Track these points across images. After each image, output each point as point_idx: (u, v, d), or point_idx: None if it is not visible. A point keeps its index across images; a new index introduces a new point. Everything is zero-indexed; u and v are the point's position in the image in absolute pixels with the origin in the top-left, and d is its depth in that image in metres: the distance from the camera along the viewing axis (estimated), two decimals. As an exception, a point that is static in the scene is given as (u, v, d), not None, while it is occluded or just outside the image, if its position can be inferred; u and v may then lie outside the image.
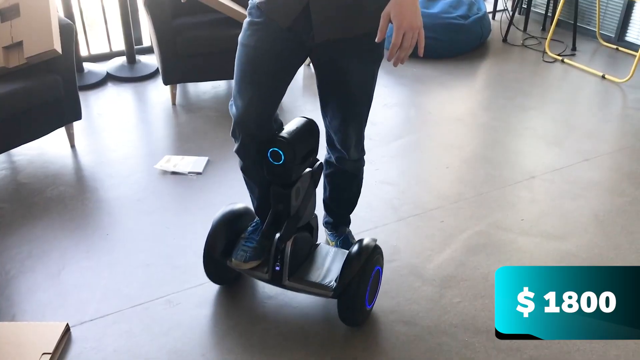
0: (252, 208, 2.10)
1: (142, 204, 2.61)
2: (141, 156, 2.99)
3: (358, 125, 1.91)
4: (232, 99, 1.82)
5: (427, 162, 2.98)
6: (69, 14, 3.60)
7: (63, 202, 2.61)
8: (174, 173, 2.83)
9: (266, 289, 2.15)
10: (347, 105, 1.85)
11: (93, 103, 3.51)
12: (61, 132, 3.02)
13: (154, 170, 2.85)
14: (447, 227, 2.49)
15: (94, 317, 2.01)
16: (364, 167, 2.10)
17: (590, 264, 2.29)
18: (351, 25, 1.67)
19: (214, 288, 2.15)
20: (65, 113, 2.89)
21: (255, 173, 1.94)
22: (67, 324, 1.95)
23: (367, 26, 1.66)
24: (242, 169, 1.96)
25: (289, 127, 1.83)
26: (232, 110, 1.81)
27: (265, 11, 1.69)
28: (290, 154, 1.76)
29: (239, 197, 2.28)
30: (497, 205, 2.63)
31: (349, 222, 2.27)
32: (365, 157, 2.06)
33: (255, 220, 2.07)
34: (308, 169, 1.92)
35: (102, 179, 2.79)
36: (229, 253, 2.01)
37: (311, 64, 1.89)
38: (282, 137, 1.77)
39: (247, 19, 1.75)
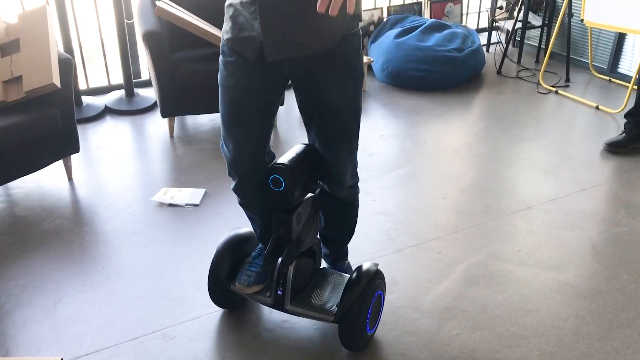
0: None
1: (138, 236, 2.61)
2: (138, 188, 2.99)
3: (347, 148, 1.88)
4: (222, 139, 1.84)
5: (424, 193, 2.99)
6: (68, 48, 3.65)
7: (60, 235, 2.60)
8: (171, 205, 2.84)
9: (263, 321, 2.13)
10: (331, 126, 1.82)
11: (91, 136, 3.53)
12: (59, 164, 3.03)
13: (151, 202, 2.86)
14: (445, 258, 2.48)
15: (89, 351, 1.99)
16: (359, 195, 2.09)
17: (589, 295, 2.28)
18: (304, 44, 1.65)
19: (210, 321, 2.13)
20: (63, 146, 2.91)
21: (254, 207, 1.97)
22: (62, 359, 1.93)
23: (325, 44, 1.67)
24: (241, 205, 1.99)
25: (289, 154, 1.85)
26: (224, 150, 1.84)
27: (234, 47, 1.70)
28: (291, 180, 1.78)
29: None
30: (494, 236, 2.63)
31: (346, 253, 2.26)
32: (359, 184, 2.05)
33: (259, 246, 2.10)
34: (309, 195, 1.94)
35: (99, 212, 2.79)
36: (233, 277, 2.03)
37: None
38: (282, 164, 1.79)
39: (221, 58, 1.76)
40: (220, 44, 1.75)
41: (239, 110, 1.76)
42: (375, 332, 2.06)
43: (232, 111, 1.77)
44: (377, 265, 2.00)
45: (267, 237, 1.99)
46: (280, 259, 1.95)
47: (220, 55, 1.76)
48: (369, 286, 1.92)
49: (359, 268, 1.97)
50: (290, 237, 1.89)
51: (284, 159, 1.82)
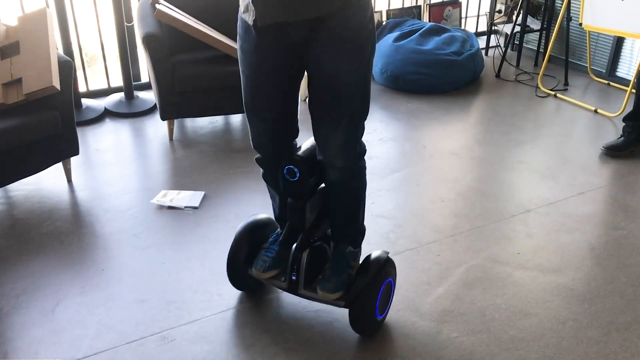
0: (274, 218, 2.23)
1: (138, 239, 2.61)
2: (138, 191, 2.99)
3: (336, 124, 1.80)
4: None
5: (423, 196, 2.99)
6: (68, 50, 3.65)
7: (59, 238, 2.60)
8: (170, 208, 2.84)
9: (263, 324, 2.13)
10: (321, 99, 1.79)
11: (91, 138, 3.53)
12: (58, 167, 3.03)
13: (150, 205, 2.86)
14: (444, 261, 2.48)
15: (88, 354, 1.99)
16: (364, 179, 2.03)
17: (587, 298, 2.28)
18: (295, 5, 1.62)
19: (209, 324, 2.13)
20: (62, 148, 2.91)
21: (275, 182, 2.03)
22: (61, 361, 1.93)
23: (318, 9, 1.63)
24: (263, 177, 2.07)
25: (305, 145, 1.93)
26: (249, 128, 1.93)
27: (243, 17, 1.72)
28: (305, 171, 1.86)
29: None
30: (493, 239, 2.64)
31: (353, 240, 2.13)
32: (363, 164, 1.99)
33: (276, 231, 2.17)
34: (322, 185, 2.00)
35: (98, 214, 2.79)
36: (251, 261, 2.11)
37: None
38: (298, 155, 1.87)
39: (237, 43, 1.82)
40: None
41: (254, 97, 1.84)
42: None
43: (248, 98, 1.85)
44: (387, 253, 2.07)
45: (285, 217, 2.04)
46: (294, 245, 2.02)
47: (237, 40, 1.82)
48: (380, 272, 1.99)
49: (370, 256, 2.04)
50: (304, 225, 1.96)
51: (300, 150, 1.90)
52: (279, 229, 2.18)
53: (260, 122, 1.89)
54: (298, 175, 1.85)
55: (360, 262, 2.09)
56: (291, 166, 1.85)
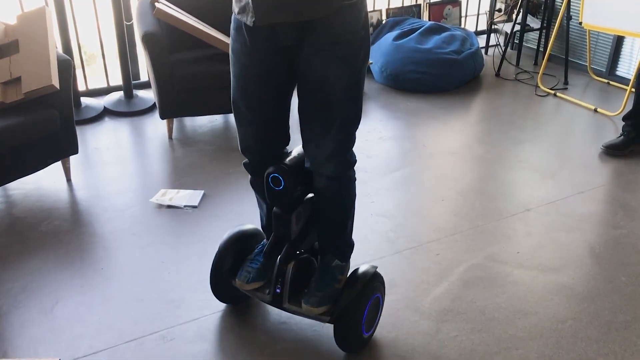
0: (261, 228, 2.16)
1: (137, 237, 2.60)
2: (137, 190, 2.99)
3: (325, 130, 1.75)
4: None
5: (423, 195, 2.99)
6: (67, 49, 3.65)
7: (58, 237, 2.60)
8: (169, 207, 2.83)
9: (262, 323, 2.13)
10: (309, 102, 1.74)
11: (90, 137, 3.53)
12: (57, 166, 3.02)
13: (149, 204, 2.86)
14: (443, 260, 2.48)
15: (87, 353, 1.99)
16: (354, 191, 1.96)
17: (587, 297, 2.28)
18: (295, 7, 1.59)
19: (208, 323, 2.13)
20: (61, 147, 2.90)
21: (262, 189, 1.95)
22: (60, 360, 1.93)
23: (317, 11, 1.59)
24: (250, 183, 2.02)
25: (293, 154, 1.87)
26: (237, 130, 1.90)
27: (240, 19, 1.67)
28: (290, 180, 1.79)
29: (235, 231, 2.27)
30: (492, 238, 2.64)
31: (340, 254, 2.04)
32: (352, 175, 1.91)
33: (262, 242, 2.11)
34: (310, 195, 1.94)
35: (97, 213, 2.79)
36: (235, 273, 2.04)
37: None
38: (284, 163, 1.81)
39: (230, 42, 1.77)
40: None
41: (243, 100, 1.80)
42: (374, 334, 2.06)
43: (237, 101, 1.81)
44: (375, 267, 2.00)
45: (271, 226, 1.99)
46: (279, 257, 1.95)
47: (230, 41, 1.78)
48: (366, 288, 1.92)
49: (357, 270, 1.97)
50: (289, 236, 1.90)
51: (289, 157, 1.85)
52: (265, 240, 2.12)
53: (248, 125, 1.84)
54: (283, 184, 1.78)
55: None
56: (276, 174, 1.78)
